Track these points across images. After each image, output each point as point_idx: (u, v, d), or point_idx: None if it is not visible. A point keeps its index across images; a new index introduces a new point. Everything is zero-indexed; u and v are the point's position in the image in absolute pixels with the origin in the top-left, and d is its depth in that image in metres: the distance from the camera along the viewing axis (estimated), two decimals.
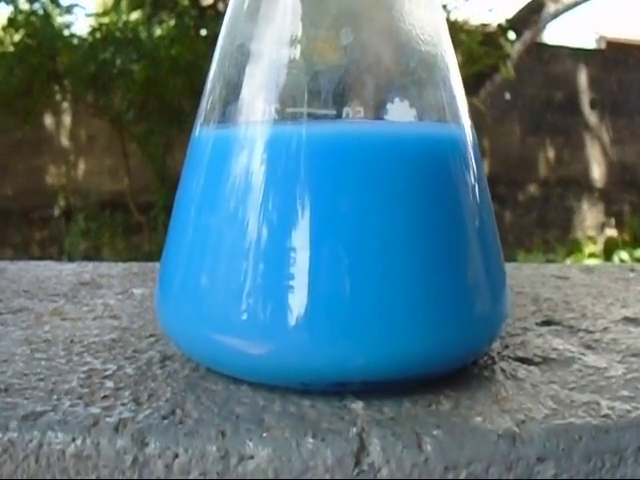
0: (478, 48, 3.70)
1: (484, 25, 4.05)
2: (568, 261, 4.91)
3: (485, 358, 0.37)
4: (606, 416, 0.30)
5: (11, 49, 4.00)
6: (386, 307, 0.30)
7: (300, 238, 0.31)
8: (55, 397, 0.32)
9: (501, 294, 0.35)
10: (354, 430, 0.28)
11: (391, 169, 0.31)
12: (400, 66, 0.35)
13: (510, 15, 4.31)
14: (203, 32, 3.98)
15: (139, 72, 3.86)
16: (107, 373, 0.35)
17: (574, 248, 5.08)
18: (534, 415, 0.30)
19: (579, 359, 0.38)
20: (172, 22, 3.98)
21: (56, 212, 4.57)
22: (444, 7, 3.50)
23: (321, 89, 0.33)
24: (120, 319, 0.44)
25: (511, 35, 4.19)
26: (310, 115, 0.32)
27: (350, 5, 0.35)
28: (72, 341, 0.40)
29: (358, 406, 0.31)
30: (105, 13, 4.19)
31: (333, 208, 0.31)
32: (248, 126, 0.33)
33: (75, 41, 4.08)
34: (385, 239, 0.31)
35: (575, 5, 4.30)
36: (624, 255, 4.93)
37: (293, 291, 0.30)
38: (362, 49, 0.34)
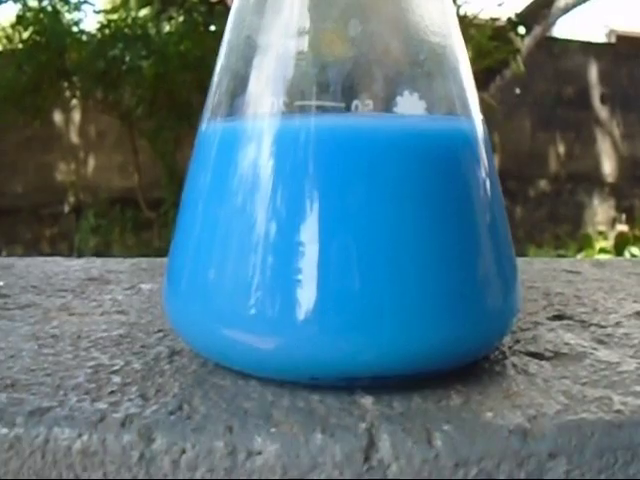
0: (488, 43, 3.69)
1: (494, 20, 4.04)
2: (579, 256, 4.90)
3: (496, 353, 0.37)
4: (619, 412, 0.30)
5: (20, 46, 4.01)
6: (396, 301, 0.30)
7: (309, 232, 0.30)
8: (62, 392, 0.31)
9: (512, 288, 0.35)
10: (363, 426, 0.28)
11: (401, 163, 0.31)
12: (409, 58, 0.35)
13: (520, 9, 4.30)
14: (212, 28, 3.98)
15: (148, 68, 3.85)
16: (114, 368, 0.34)
17: (585, 243, 5.06)
18: (546, 410, 0.30)
19: (591, 354, 0.37)
20: (181, 18, 3.98)
21: (66, 209, 4.58)
22: (454, 1, 3.49)
23: (330, 82, 0.33)
24: (128, 314, 0.44)
25: (521, 30, 4.17)
26: (319, 108, 0.32)
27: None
28: (79, 336, 0.40)
29: (367, 401, 0.30)
30: (114, 10, 4.19)
31: (342, 202, 0.30)
32: (256, 119, 0.33)
33: (84, 38, 4.08)
34: (395, 233, 0.30)
35: (585, 0, 4.28)
36: (635, 250, 4.91)
37: (302, 285, 0.30)
38: (371, 41, 0.34)
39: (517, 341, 0.39)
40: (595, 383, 0.33)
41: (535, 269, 0.61)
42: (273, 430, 0.28)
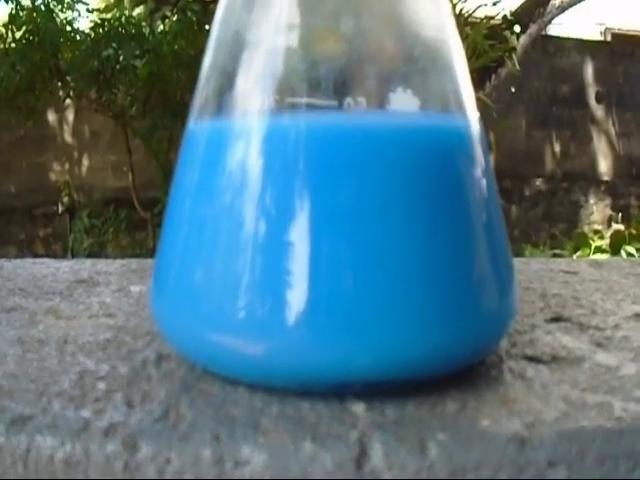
0: (483, 42, 3.69)
1: (489, 18, 4.03)
2: (575, 256, 4.90)
3: (493, 357, 0.36)
4: (619, 418, 0.29)
5: (13, 46, 4.00)
6: (389, 304, 0.29)
7: (299, 233, 0.29)
8: (45, 399, 0.31)
9: (509, 290, 0.34)
10: (355, 434, 0.27)
11: (394, 161, 0.30)
12: (403, 54, 0.34)
13: (515, 8, 4.30)
14: (206, 27, 3.97)
15: (142, 67, 3.85)
16: (100, 374, 0.34)
17: (581, 242, 5.06)
18: (544, 417, 0.29)
19: (590, 358, 0.36)
20: (175, 17, 3.98)
21: (60, 209, 4.57)
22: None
23: (321, 79, 0.32)
24: (116, 317, 0.43)
25: (516, 28, 4.17)
26: (310, 106, 0.31)
27: None
28: (66, 341, 0.39)
29: (359, 408, 0.29)
30: (107, 9, 4.19)
31: (333, 201, 0.29)
32: (244, 117, 0.32)
33: (77, 37, 4.08)
34: (388, 234, 0.30)
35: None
36: (631, 249, 4.91)
37: (291, 288, 0.29)
38: (363, 37, 0.33)
39: (514, 344, 0.38)
40: (595, 388, 0.32)
41: (532, 269, 0.60)
42: (261, 439, 0.27)
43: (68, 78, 4.12)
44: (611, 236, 5.10)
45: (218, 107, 0.34)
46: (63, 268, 0.59)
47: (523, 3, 4.34)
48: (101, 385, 0.32)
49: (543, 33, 4.82)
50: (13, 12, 3.97)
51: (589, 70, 5.56)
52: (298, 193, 0.29)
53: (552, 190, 5.40)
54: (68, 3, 4.11)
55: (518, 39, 4.18)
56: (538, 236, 5.12)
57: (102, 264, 0.61)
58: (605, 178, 5.60)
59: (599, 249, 5.00)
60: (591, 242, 5.03)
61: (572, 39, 5.62)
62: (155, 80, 3.89)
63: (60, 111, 4.63)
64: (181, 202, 0.34)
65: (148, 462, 0.27)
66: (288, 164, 0.30)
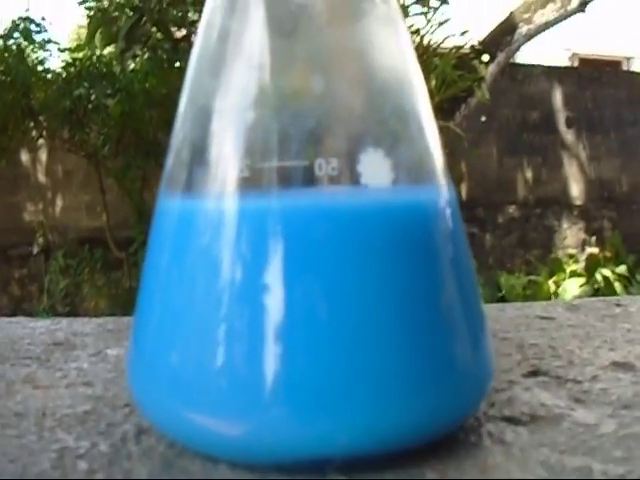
0: (452, 72, 3.71)
1: (457, 48, 4.06)
2: (551, 281, 4.92)
3: (472, 419, 0.36)
4: None
5: None
6: (365, 380, 0.29)
7: (273, 312, 0.29)
8: None
9: (485, 354, 0.34)
10: None
11: (367, 238, 0.30)
12: (373, 114, 0.34)
13: (482, 37, 4.33)
14: (177, 64, 3.98)
15: (114, 106, 3.85)
16: (80, 452, 0.33)
17: (556, 267, 5.09)
18: None
19: (568, 415, 0.37)
20: (145, 56, 3.98)
21: (35, 249, 4.54)
22: (417, 32, 3.50)
23: (292, 141, 0.32)
24: (94, 386, 0.43)
25: (485, 57, 4.20)
26: (281, 169, 0.31)
27: (318, 52, 0.34)
28: (44, 414, 0.38)
29: None
30: (79, 48, 4.18)
31: (307, 280, 0.29)
32: (216, 195, 0.32)
33: (49, 76, 4.07)
34: (362, 309, 0.30)
35: (547, 26, 4.32)
36: (606, 272, 4.94)
37: (267, 367, 0.29)
38: (333, 97, 0.33)
39: (492, 404, 0.38)
40: (574, 450, 0.32)
41: (507, 317, 0.60)
42: None
43: (41, 118, 4.11)
44: (586, 259, 5.13)
45: (188, 180, 0.34)
46: (39, 329, 0.59)
47: (491, 32, 4.38)
48: (82, 465, 0.32)
49: (511, 61, 4.86)
50: None
51: (558, 96, 5.60)
52: (271, 272, 0.29)
53: (525, 216, 5.42)
54: (39, 43, 4.11)
55: (487, 68, 4.21)
56: (513, 263, 5.14)
57: (78, 324, 0.60)
58: (577, 202, 5.63)
59: (574, 273, 5.02)
60: (566, 267, 5.05)
61: (540, 66, 5.67)
62: (127, 119, 3.88)
63: (33, 151, 4.61)
64: (154, 278, 0.34)
65: None
66: (260, 244, 0.30)
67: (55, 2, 6.75)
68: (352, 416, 0.29)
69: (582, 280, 4.92)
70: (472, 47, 4.18)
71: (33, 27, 4.10)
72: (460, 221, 0.35)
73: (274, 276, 0.29)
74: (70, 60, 4.08)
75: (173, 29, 3.87)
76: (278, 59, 0.34)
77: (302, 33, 0.34)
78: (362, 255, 0.30)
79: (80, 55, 4.13)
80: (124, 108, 3.84)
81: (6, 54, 3.99)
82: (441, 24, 3.62)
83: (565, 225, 5.59)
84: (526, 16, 4.20)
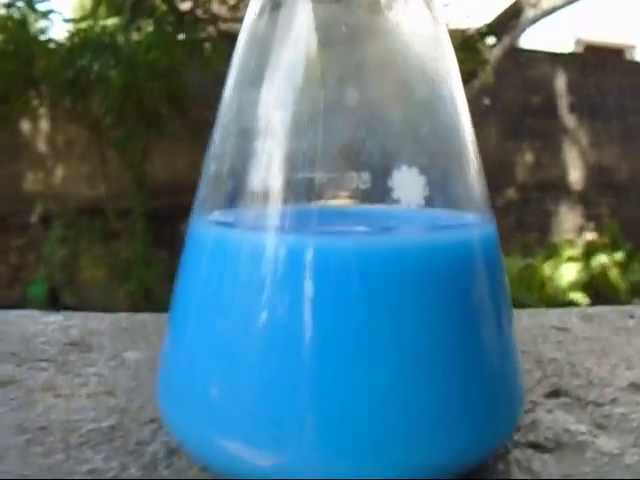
0: (456, 54, 3.69)
1: (462, 30, 4.05)
2: (547, 265, 4.93)
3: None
4: None
5: None
6: (403, 420, 0.29)
7: (311, 348, 0.29)
8: None
9: (517, 386, 0.34)
10: None
11: (404, 279, 0.30)
12: (411, 131, 0.34)
13: (488, 20, 4.32)
14: (181, 37, 3.96)
15: (117, 77, 3.83)
16: (109, 475, 0.33)
17: (553, 252, 5.10)
18: None
19: (592, 442, 0.37)
20: (150, 28, 3.96)
21: (34, 218, 4.53)
22: None
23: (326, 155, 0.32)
24: (116, 397, 0.42)
25: (490, 40, 4.19)
26: (313, 181, 0.31)
27: (360, 64, 0.34)
28: (68, 429, 0.38)
29: None
30: (83, 19, 4.15)
31: (344, 316, 0.29)
32: (254, 225, 0.32)
33: (52, 46, 4.05)
34: (399, 345, 0.29)
35: (553, 10, 4.31)
36: (603, 258, 4.95)
37: (301, 401, 0.29)
38: (370, 112, 0.33)
39: (518, 428, 0.38)
40: None
41: (522, 326, 0.60)
42: None
43: (42, 87, 4.09)
44: (584, 246, 5.14)
45: (223, 202, 0.34)
46: (51, 324, 0.58)
47: (498, 16, 4.37)
48: None
49: (514, 45, 4.85)
50: None
51: (561, 81, 5.59)
52: (311, 309, 0.29)
53: (524, 200, 5.42)
54: (42, 12, 4.08)
55: (491, 51, 4.20)
56: (510, 245, 5.13)
57: (92, 322, 0.60)
58: (577, 188, 5.64)
59: (571, 258, 5.03)
60: (562, 252, 5.06)
61: (544, 52, 5.65)
62: (130, 90, 3.87)
63: (34, 120, 4.59)
64: (187, 304, 0.33)
65: None
66: (301, 281, 0.30)
67: None
68: (387, 455, 0.29)
69: (579, 265, 4.94)
70: (478, 30, 4.17)
71: None
72: (499, 254, 0.35)
73: (313, 312, 0.29)
74: (74, 30, 4.05)
75: (178, 2, 3.85)
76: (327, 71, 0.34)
77: (343, 46, 0.34)
78: (400, 292, 0.30)
79: (84, 26, 4.10)
80: (127, 79, 3.83)
81: (9, 23, 3.96)
82: (445, 5, 3.61)
83: (563, 210, 5.59)
84: (533, 0, 4.18)
